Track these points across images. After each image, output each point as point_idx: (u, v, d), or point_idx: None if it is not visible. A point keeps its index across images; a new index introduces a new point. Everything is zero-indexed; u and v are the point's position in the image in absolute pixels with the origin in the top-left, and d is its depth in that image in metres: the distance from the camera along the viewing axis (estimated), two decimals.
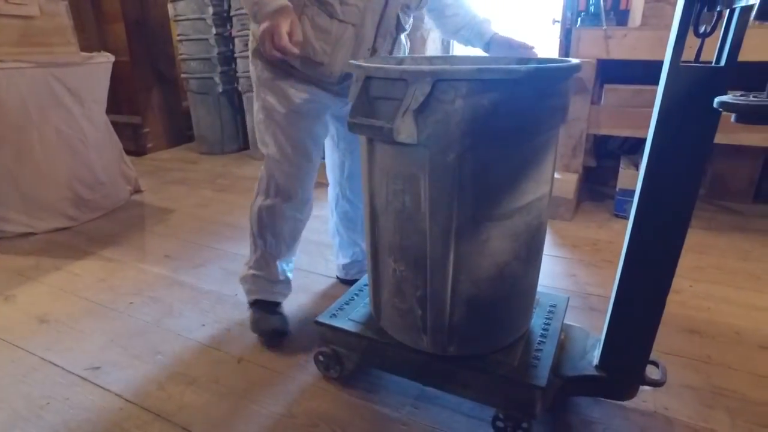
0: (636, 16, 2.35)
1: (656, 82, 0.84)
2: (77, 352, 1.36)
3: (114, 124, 2.54)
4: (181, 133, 3.98)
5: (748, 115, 0.60)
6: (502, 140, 0.88)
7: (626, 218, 2.21)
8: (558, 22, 2.75)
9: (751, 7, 0.68)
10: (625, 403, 1.10)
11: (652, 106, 0.86)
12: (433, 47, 3.47)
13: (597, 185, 2.62)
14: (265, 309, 1.40)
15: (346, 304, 1.28)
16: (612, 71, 2.27)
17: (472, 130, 0.85)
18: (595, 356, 1.08)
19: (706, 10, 0.78)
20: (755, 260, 1.81)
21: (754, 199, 2.36)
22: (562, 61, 0.97)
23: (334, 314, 1.22)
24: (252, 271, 1.39)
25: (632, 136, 2.36)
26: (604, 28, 2.06)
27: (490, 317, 1.05)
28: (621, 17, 2.25)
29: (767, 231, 2.06)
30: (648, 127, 0.87)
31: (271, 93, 1.19)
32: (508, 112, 0.84)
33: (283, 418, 1.11)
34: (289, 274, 1.44)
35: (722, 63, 0.78)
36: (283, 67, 1.16)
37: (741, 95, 0.61)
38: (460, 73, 0.81)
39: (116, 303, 1.60)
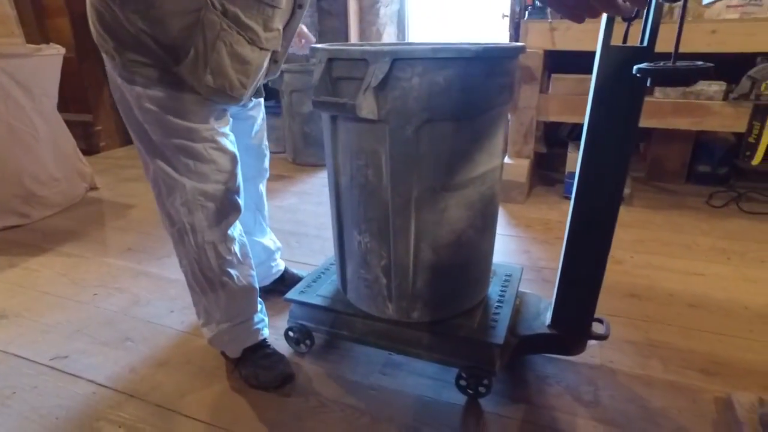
0: None
1: None
2: (42, 343, 1.35)
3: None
4: None
5: (658, 79, 0.70)
6: (456, 114, 0.95)
7: None
8: (507, 16, 2.89)
9: None
10: (575, 358, 1.21)
11: None
12: (388, 40, 3.56)
13: (548, 171, 2.77)
14: (256, 354, 1.19)
15: (314, 281, 1.33)
16: (559, 61, 2.40)
17: (429, 106, 0.92)
18: (548, 317, 1.18)
19: None
20: (687, 233, 1.98)
21: (686, 180, 2.56)
22: (507, 44, 1.05)
23: (302, 291, 1.27)
24: (224, 325, 1.14)
25: (579, 123, 2.52)
26: (549, 21, 2.19)
27: (450, 283, 1.12)
28: None
29: (697, 207, 2.25)
30: None
31: (178, 115, 0.95)
32: (461, 88, 0.92)
33: (257, 392, 1.15)
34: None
35: (645, 43, 0.89)
36: (180, 89, 0.94)
37: (654, 64, 0.70)
38: (416, 53, 0.88)
39: (80, 295, 1.59)
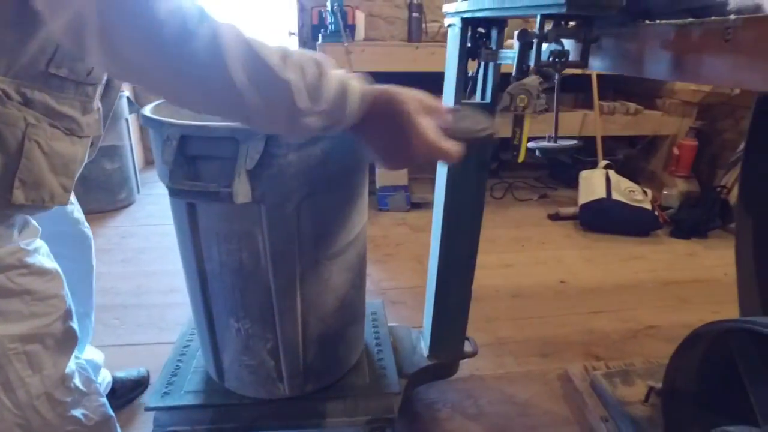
0: (360, 30, 2.66)
1: None
2: None
3: None
4: None
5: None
6: (334, 183, 0.92)
7: (389, 211, 2.54)
8: (294, 34, 2.88)
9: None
10: (451, 378, 1.32)
11: None
12: None
13: None
14: None
15: (174, 376, 1.13)
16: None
17: (308, 180, 0.86)
18: (423, 348, 1.25)
19: (471, 59, 0.99)
20: (486, 228, 2.29)
21: None
22: None
23: (165, 392, 1.07)
24: None
25: None
26: (345, 44, 2.27)
27: (338, 346, 1.10)
28: (354, 31, 2.51)
29: (488, 201, 2.66)
30: None
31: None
32: (337, 156, 0.89)
33: None
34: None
35: (488, 100, 1.01)
36: None
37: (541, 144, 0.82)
38: None
39: None
